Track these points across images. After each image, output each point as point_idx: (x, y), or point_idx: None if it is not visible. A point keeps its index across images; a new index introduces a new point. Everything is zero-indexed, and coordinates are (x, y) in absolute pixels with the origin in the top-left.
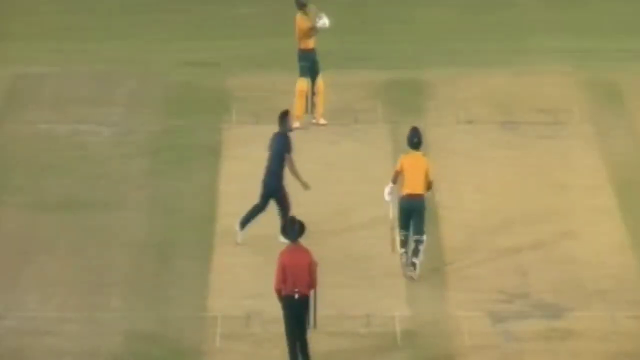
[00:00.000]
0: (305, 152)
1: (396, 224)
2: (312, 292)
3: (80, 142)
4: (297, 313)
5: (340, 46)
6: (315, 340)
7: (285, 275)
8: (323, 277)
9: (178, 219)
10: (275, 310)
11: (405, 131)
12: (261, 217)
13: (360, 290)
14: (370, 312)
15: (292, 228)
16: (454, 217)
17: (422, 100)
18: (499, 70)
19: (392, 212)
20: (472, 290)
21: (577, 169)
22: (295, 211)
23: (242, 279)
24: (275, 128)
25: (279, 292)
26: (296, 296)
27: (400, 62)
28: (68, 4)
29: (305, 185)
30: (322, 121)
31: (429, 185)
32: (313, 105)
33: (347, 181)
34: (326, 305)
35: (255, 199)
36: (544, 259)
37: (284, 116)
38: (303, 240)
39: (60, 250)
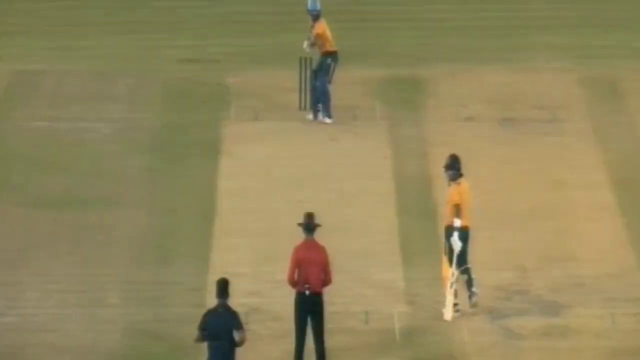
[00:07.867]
0: (304, 149)
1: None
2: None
3: (79, 139)
4: (307, 309)
5: (339, 44)
6: None
7: (298, 270)
8: None
9: (177, 216)
10: (274, 307)
11: (404, 129)
12: (261, 217)
13: (360, 287)
14: (370, 309)
15: (308, 223)
16: None
17: (421, 98)
18: (498, 67)
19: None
20: None
21: (576, 166)
22: (295, 208)
23: (241, 277)
24: (274, 126)
25: (292, 285)
26: (307, 292)
27: (399, 59)
28: (67, 0)
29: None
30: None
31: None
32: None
33: (346, 178)
34: (326, 303)
35: (254, 196)
36: (543, 256)
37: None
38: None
39: (59, 247)
